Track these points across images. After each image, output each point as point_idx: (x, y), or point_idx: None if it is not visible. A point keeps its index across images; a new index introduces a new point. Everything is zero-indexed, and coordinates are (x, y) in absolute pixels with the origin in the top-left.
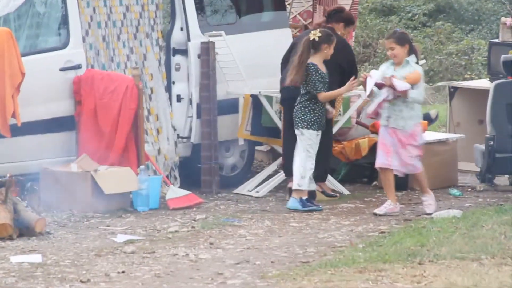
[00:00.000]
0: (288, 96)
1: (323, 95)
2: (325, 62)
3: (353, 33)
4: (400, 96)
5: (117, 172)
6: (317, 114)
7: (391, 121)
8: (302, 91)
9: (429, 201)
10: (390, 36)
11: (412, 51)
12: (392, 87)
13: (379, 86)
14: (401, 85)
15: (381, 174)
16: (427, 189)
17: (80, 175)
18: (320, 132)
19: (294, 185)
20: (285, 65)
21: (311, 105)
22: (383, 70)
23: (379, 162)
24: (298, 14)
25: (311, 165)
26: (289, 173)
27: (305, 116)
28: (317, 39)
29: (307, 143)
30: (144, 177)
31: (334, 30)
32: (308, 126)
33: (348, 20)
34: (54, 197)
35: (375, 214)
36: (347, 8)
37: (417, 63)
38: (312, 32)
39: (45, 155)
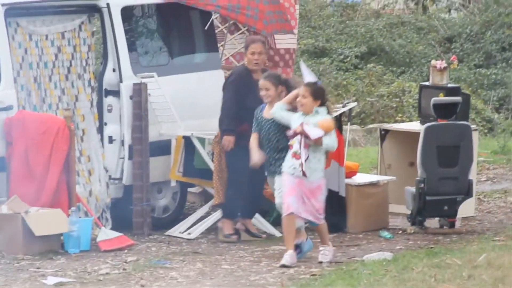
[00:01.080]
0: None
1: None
2: None
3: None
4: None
5: (48, 214)
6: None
7: (297, 172)
8: None
9: (326, 251)
10: (308, 85)
11: (323, 105)
12: (304, 134)
13: (293, 136)
14: (314, 132)
15: (286, 220)
16: (328, 241)
17: (10, 216)
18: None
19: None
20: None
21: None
22: (295, 119)
23: (291, 207)
24: (231, 55)
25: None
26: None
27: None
28: None
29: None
30: (75, 219)
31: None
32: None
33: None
34: None
35: (283, 266)
36: (287, 46)
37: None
38: None
39: None
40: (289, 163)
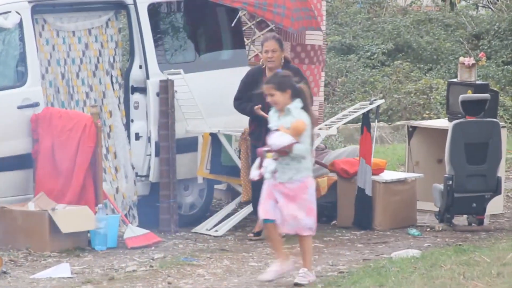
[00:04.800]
0: None
1: None
2: None
3: (322, 73)
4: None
5: (74, 211)
6: None
7: (278, 176)
8: None
9: (306, 275)
10: (269, 81)
11: (296, 95)
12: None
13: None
14: (279, 141)
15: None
16: (310, 264)
17: (37, 214)
18: None
19: None
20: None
21: None
22: (270, 117)
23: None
24: (260, 52)
25: None
26: None
27: None
28: None
29: None
30: (102, 216)
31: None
32: None
33: None
34: (11, 235)
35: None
36: (318, 43)
37: (303, 108)
38: None
39: (2, 193)
40: (267, 169)
